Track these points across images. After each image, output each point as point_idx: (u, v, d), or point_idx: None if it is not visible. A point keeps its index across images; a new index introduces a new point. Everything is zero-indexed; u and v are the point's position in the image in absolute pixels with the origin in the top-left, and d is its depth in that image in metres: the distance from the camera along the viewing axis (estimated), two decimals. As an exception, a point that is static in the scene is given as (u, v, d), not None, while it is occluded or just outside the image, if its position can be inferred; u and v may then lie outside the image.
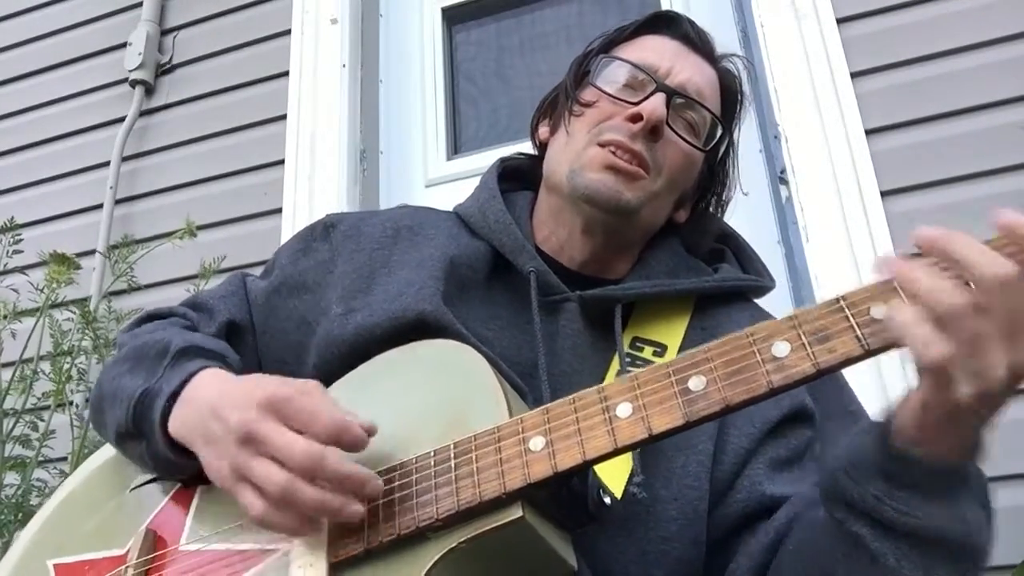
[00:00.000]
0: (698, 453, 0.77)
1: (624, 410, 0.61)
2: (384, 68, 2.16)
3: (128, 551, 0.75)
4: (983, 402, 0.53)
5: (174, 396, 0.73)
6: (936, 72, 1.61)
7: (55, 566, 0.79)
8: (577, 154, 0.88)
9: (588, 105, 0.90)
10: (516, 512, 0.61)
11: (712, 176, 0.97)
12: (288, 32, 2.12)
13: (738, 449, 0.78)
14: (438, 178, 1.98)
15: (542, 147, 0.99)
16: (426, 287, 0.81)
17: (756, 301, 0.94)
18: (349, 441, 0.64)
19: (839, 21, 1.69)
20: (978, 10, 1.62)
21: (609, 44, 0.95)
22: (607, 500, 0.68)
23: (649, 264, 0.91)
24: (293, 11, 2.14)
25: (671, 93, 0.87)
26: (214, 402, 0.68)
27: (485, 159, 1.98)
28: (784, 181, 1.63)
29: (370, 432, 0.65)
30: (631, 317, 0.87)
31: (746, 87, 0.99)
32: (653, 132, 0.85)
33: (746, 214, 1.70)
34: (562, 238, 0.91)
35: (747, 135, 1.78)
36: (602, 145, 0.86)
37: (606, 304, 0.85)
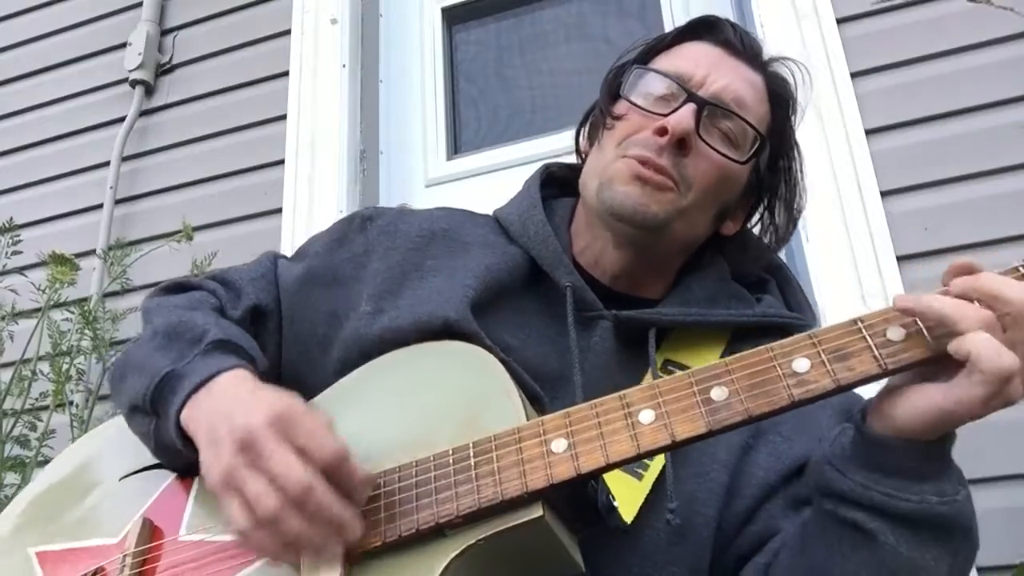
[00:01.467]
0: (710, 481, 0.76)
1: (647, 416, 0.63)
2: (384, 68, 2.16)
3: (123, 539, 0.75)
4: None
5: (198, 387, 0.72)
6: (936, 72, 1.61)
7: (38, 554, 0.77)
8: (605, 167, 0.86)
9: (619, 118, 0.88)
10: (536, 511, 0.62)
11: (761, 185, 0.93)
12: (288, 32, 2.13)
13: (763, 483, 0.78)
14: (438, 178, 1.98)
15: (584, 159, 0.96)
16: (455, 294, 0.80)
17: None
18: (345, 473, 0.64)
19: (839, 21, 1.69)
20: (978, 10, 1.62)
21: (647, 53, 0.93)
22: (615, 503, 0.69)
23: (691, 288, 0.89)
24: (293, 11, 2.14)
25: (702, 104, 0.84)
26: (229, 404, 0.68)
27: (485, 159, 2.00)
28: (784, 181, 1.63)
29: (370, 482, 0.66)
30: (666, 339, 0.86)
31: (802, 90, 0.94)
32: (680, 145, 0.83)
33: (746, 214, 1.71)
34: (596, 251, 0.89)
35: (747, 135, 1.78)
36: (629, 158, 0.84)
37: (640, 327, 0.84)
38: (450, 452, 0.66)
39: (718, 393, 0.61)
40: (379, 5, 2.23)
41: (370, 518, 0.65)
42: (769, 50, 0.93)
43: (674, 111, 0.83)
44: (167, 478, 0.78)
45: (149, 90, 2.22)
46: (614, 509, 0.69)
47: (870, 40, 1.66)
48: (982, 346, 0.55)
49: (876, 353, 0.59)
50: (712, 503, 0.76)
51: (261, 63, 2.13)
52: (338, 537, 0.62)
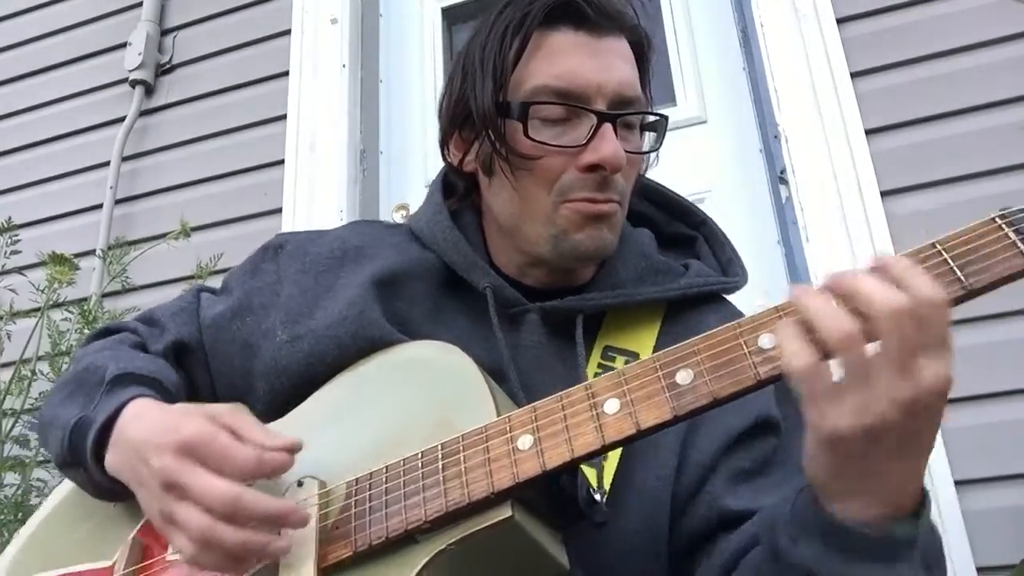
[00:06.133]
0: (662, 467, 0.76)
1: (612, 406, 0.61)
2: (384, 68, 2.16)
3: (115, 562, 0.75)
4: (872, 439, 0.52)
5: (107, 426, 0.74)
6: (936, 72, 1.61)
7: None
8: (548, 218, 0.81)
9: (532, 159, 0.80)
10: (505, 512, 0.60)
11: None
12: (288, 32, 2.12)
13: (699, 462, 0.77)
14: (438, 178, 1.97)
15: (463, 173, 0.91)
16: (368, 309, 0.79)
17: (729, 298, 0.91)
18: (269, 471, 0.64)
19: (839, 21, 1.69)
20: (978, 10, 1.62)
21: (516, 58, 0.81)
22: (597, 497, 0.68)
23: (616, 270, 0.87)
24: (293, 11, 2.14)
25: (613, 119, 0.79)
26: (139, 443, 0.69)
27: (485, 159, 2.00)
28: (784, 181, 1.63)
29: (294, 449, 0.66)
30: (602, 325, 0.85)
31: (644, 21, 0.87)
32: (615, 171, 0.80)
33: (746, 214, 1.71)
34: (522, 267, 0.87)
35: (747, 135, 1.78)
36: (572, 201, 0.80)
37: (568, 315, 0.83)
38: (419, 455, 0.65)
39: (683, 376, 0.59)
40: (379, 5, 2.23)
41: (341, 527, 0.65)
42: (612, 5, 0.84)
43: (591, 137, 0.78)
44: None
45: (149, 90, 2.22)
46: (595, 503, 0.67)
47: (870, 40, 1.66)
48: (782, 346, 0.53)
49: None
50: (665, 489, 0.75)
51: (261, 63, 2.13)
52: (285, 527, 0.63)
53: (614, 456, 0.75)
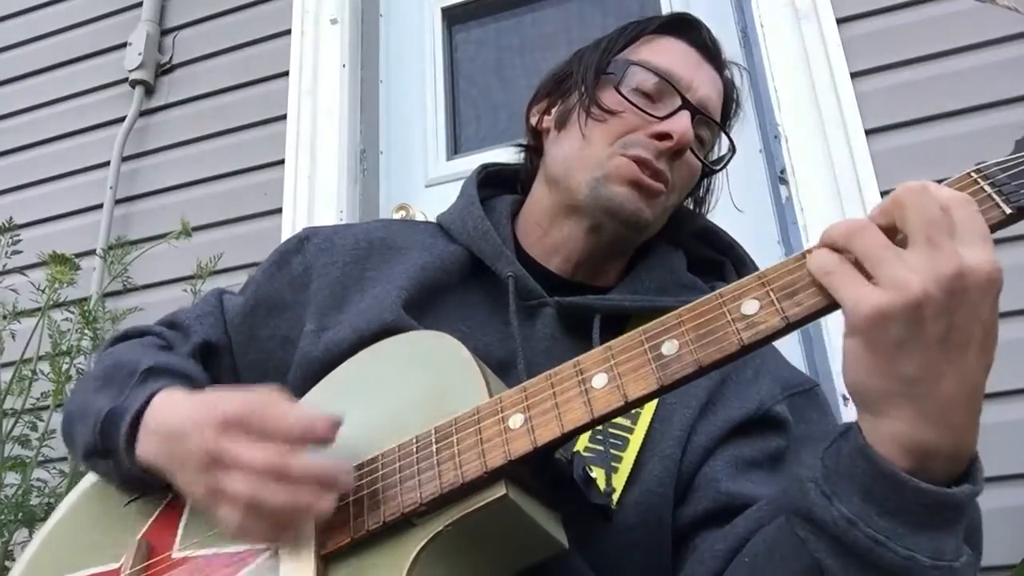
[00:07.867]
0: (665, 458, 0.76)
1: (599, 380, 0.62)
2: (384, 68, 2.16)
3: (122, 564, 0.75)
4: (913, 320, 0.49)
5: (138, 416, 0.74)
6: (936, 72, 1.61)
7: None
8: (599, 163, 0.86)
9: (611, 112, 0.88)
10: (499, 491, 0.61)
11: (701, 181, 0.99)
12: (288, 32, 2.12)
13: (700, 448, 0.77)
14: (438, 178, 1.98)
15: (536, 134, 0.97)
16: (389, 298, 0.81)
17: None
18: (317, 438, 0.64)
19: (839, 21, 1.69)
20: (978, 10, 1.62)
21: (628, 42, 0.93)
22: (593, 474, 0.68)
23: (640, 278, 0.90)
24: (293, 11, 2.14)
25: (695, 112, 0.87)
26: (175, 426, 0.69)
27: (485, 159, 1.98)
28: (784, 181, 1.63)
29: (336, 423, 0.65)
30: (626, 331, 0.86)
31: (743, 97, 1.00)
32: (678, 152, 0.86)
33: (746, 214, 1.71)
34: (558, 239, 0.90)
35: (747, 135, 1.78)
36: (627, 158, 0.85)
37: (584, 313, 0.84)
38: (414, 440, 0.66)
39: (669, 347, 0.60)
40: (379, 5, 2.23)
41: (340, 515, 0.65)
42: (719, 43, 0.96)
43: (671, 115, 0.86)
44: (166, 497, 0.78)
45: (149, 90, 2.22)
46: (592, 481, 0.68)
47: (870, 40, 1.67)
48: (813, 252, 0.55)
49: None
50: (668, 481, 0.75)
51: (261, 63, 2.13)
52: (328, 490, 0.63)
53: (629, 457, 0.76)
